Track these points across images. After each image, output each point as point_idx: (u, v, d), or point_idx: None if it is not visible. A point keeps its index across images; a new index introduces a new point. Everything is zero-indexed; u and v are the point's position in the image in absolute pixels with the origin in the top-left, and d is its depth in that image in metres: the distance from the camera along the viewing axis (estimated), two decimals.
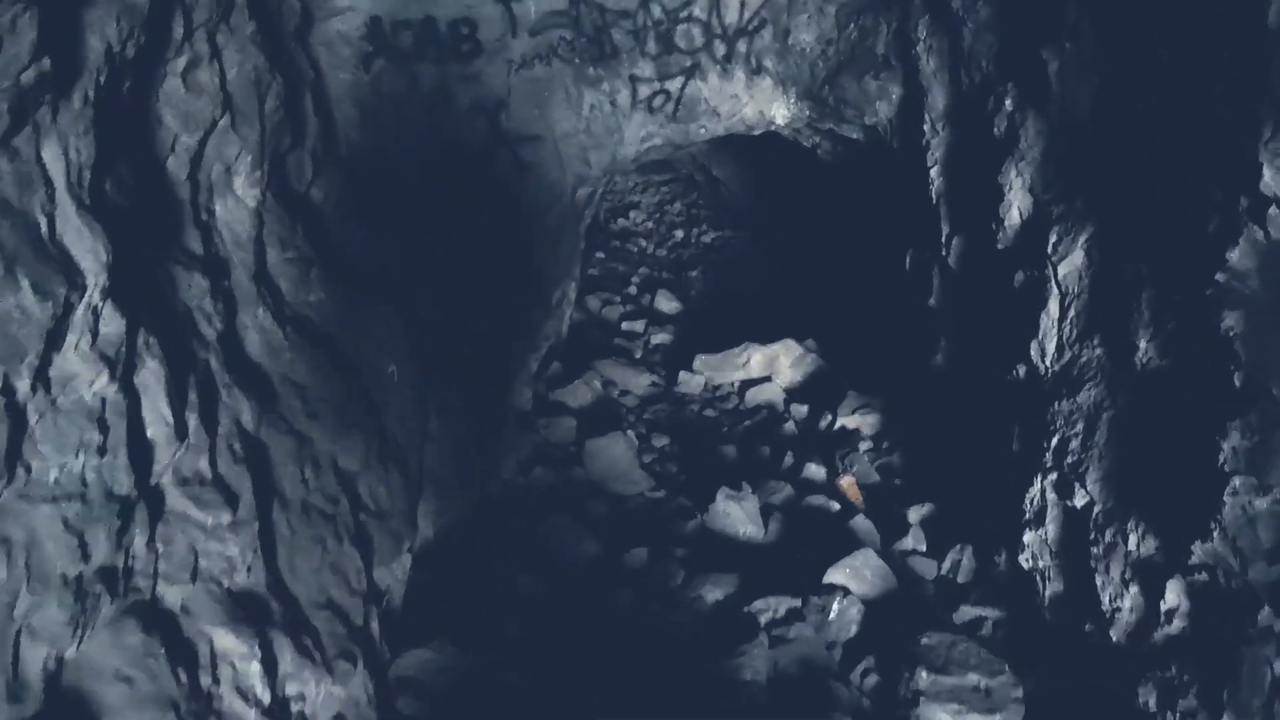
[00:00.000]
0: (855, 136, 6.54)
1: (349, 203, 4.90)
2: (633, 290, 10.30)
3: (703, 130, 6.35)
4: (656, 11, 5.94)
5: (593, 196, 6.90)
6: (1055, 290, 4.28)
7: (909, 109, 5.82)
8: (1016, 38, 4.65)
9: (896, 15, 5.71)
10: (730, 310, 9.66)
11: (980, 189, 4.97)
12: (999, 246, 4.77)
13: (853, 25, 5.93)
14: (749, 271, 10.90)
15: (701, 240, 12.25)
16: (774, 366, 7.89)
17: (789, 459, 6.48)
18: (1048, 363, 4.35)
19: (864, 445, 6.64)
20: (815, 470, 6.28)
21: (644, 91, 6.12)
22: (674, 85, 6.15)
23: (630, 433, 6.73)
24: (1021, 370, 4.59)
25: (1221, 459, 3.19)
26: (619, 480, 6.17)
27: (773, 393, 7.67)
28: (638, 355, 8.66)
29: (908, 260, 6.15)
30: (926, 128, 5.53)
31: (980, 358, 5.12)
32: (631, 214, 12.78)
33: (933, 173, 5.49)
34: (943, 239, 5.48)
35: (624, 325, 9.30)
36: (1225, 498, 3.18)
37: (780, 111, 6.32)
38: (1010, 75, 4.70)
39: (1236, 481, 3.15)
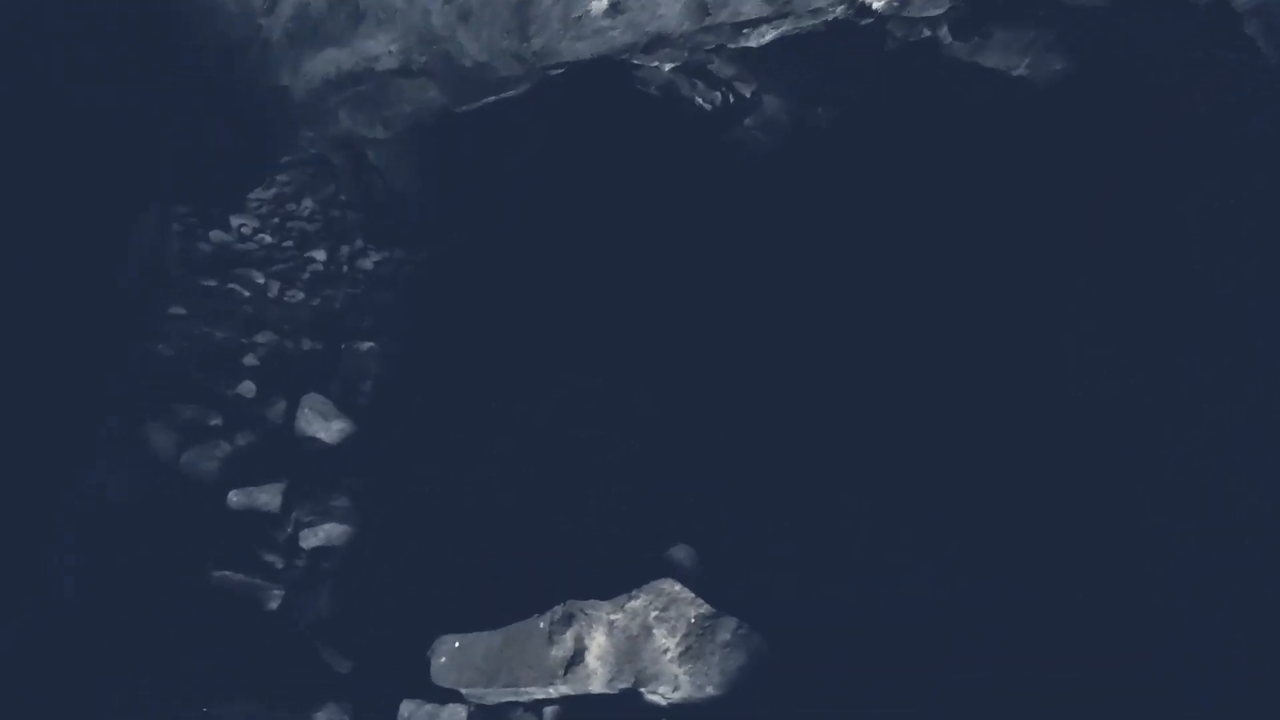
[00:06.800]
0: None
1: None
2: (246, 390, 5.30)
3: None
4: None
5: None
6: None
7: None
8: None
9: None
10: (461, 440, 5.07)
11: None
12: None
13: None
14: (473, 342, 6.27)
15: (360, 267, 7.37)
16: (632, 663, 3.46)
17: None
18: None
19: None
20: None
21: None
22: None
23: None
24: None
25: None
26: None
27: None
28: (272, 605, 3.86)
29: None
30: None
31: None
32: (235, 221, 7.45)
33: None
34: None
35: (233, 500, 4.41)
36: None
37: None
38: None
39: None
